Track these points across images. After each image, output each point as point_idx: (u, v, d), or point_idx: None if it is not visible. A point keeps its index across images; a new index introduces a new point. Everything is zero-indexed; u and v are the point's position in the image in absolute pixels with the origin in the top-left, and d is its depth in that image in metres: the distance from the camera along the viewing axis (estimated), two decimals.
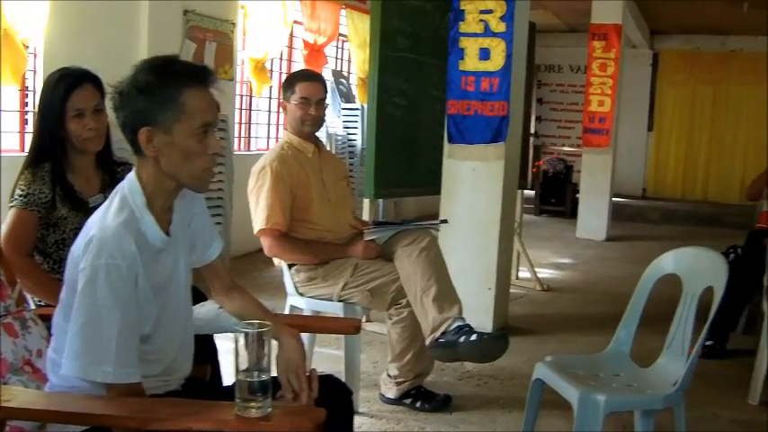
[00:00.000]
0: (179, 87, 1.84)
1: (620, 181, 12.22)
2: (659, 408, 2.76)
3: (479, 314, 4.91)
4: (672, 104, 14.78)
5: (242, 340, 1.68)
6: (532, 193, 12.50)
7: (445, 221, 4.23)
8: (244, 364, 1.68)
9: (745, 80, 14.18)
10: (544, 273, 7.28)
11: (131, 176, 1.93)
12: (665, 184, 14.81)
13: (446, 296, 3.37)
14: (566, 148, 13.97)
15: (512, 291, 6.03)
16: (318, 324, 3.05)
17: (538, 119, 14.81)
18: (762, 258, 4.80)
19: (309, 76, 3.78)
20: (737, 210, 12.70)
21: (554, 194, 12.27)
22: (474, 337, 3.22)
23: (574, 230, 10.21)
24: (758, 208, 5.98)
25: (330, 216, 3.68)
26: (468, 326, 3.29)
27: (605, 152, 9.94)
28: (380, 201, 8.65)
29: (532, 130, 14.49)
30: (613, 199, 10.48)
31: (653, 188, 14.80)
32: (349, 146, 8.55)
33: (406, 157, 5.30)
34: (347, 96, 8.88)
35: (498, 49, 4.88)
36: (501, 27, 4.88)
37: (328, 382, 2.10)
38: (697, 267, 2.94)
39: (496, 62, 4.89)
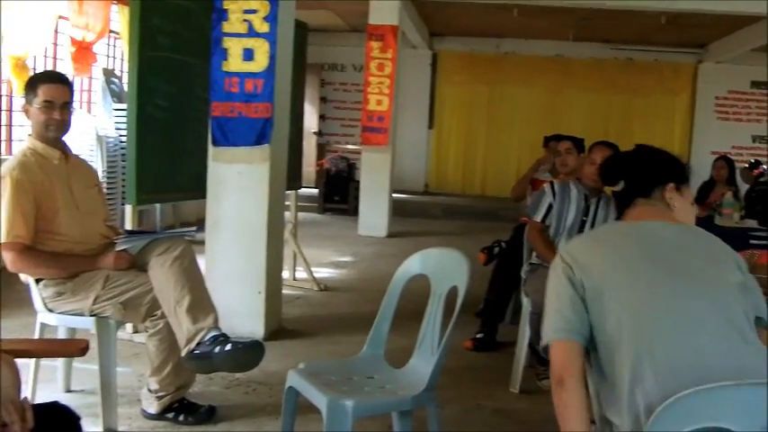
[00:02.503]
0: None
1: (402, 178, 12.52)
2: (409, 409, 2.80)
3: (250, 319, 4.86)
4: (451, 103, 15.36)
5: None
6: (316, 191, 12.58)
7: (200, 228, 4.08)
8: None
9: (518, 81, 14.98)
10: (323, 272, 7.31)
11: None
12: (445, 180, 15.35)
13: (200, 306, 3.27)
14: (349, 147, 14.14)
15: (288, 292, 6.03)
16: (40, 348, 2.85)
17: (322, 117, 14.91)
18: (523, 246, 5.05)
19: (53, 78, 3.55)
20: (512, 204, 13.33)
21: (337, 193, 12.37)
22: (229, 347, 3.15)
23: (356, 228, 10.33)
24: (522, 204, 6.28)
25: (79, 226, 3.48)
26: (223, 335, 3.21)
27: (384, 150, 10.14)
28: (157, 206, 8.42)
29: (316, 129, 14.63)
30: (396, 195, 10.71)
31: (434, 184, 15.29)
32: (121, 148, 8.18)
33: (170, 161, 5.13)
34: (119, 96, 8.50)
35: (262, 49, 4.83)
36: (265, 27, 4.83)
37: (51, 410, 1.97)
38: (442, 267, 3.01)
39: (260, 63, 4.83)
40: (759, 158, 13.74)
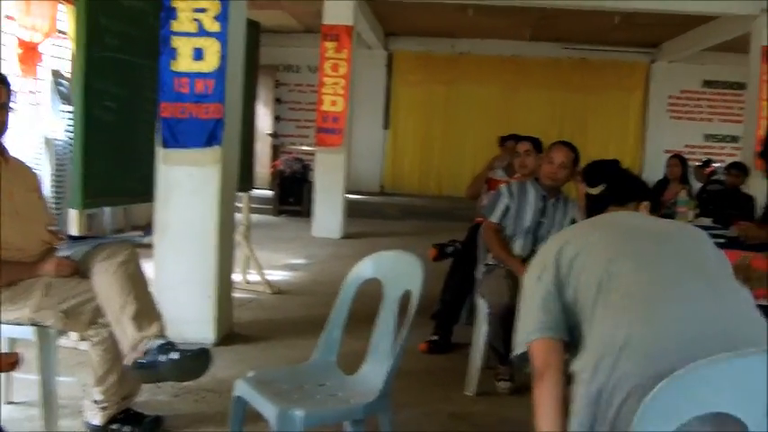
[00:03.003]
0: None
1: (357, 179, 12.47)
2: (361, 417, 2.73)
3: (201, 324, 4.75)
4: (406, 103, 15.35)
5: None
6: (271, 193, 12.46)
7: (148, 232, 3.95)
8: None
9: (474, 81, 15.01)
10: (277, 275, 7.20)
11: None
12: (401, 180, 15.33)
13: (146, 313, 3.16)
14: (304, 148, 14.04)
15: (240, 296, 5.93)
16: None
17: (277, 119, 14.79)
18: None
19: None
20: (468, 203, 13.34)
21: (292, 194, 12.25)
22: (175, 355, 3.05)
23: (311, 230, 10.24)
24: (478, 203, 6.24)
25: (19, 232, 3.33)
26: (169, 343, 3.11)
27: (339, 151, 10.07)
28: (107, 210, 8.26)
29: (271, 130, 14.51)
30: (351, 196, 10.64)
31: (390, 185, 15.26)
32: (71, 151, 7.99)
33: (118, 163, 4.99)
34: (68, 98, 8.30)
35: (212, 49, 4.73)
36: (215, 26, 4.73)
37: None
38: (395, 271, 2.95)
39: (211, 63, 4.73)
40: (711, 157, 13.94)
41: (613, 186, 2.35)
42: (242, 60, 5.15)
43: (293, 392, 2.76)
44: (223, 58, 4.72)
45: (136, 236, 3.69)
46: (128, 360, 3.14)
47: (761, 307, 2.70)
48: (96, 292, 3.21)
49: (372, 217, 12.39)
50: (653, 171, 15.14)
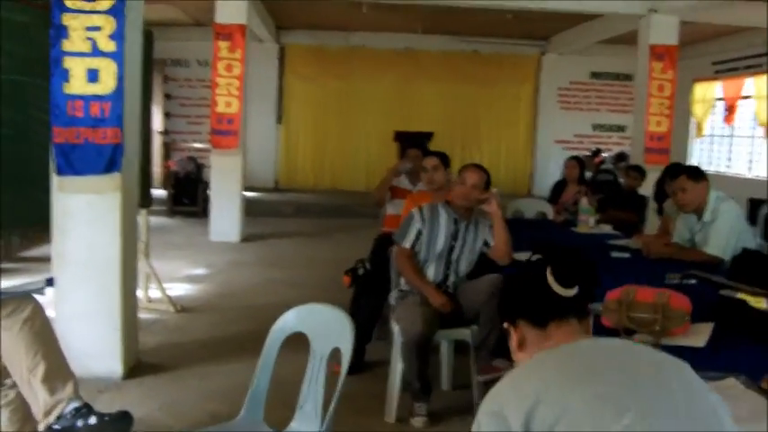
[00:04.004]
0: None
1: (251, 174, 12.20)
2: None
3: (107, 358, 4.56)
4: (300, 97, 15.17)
5: None
6: (164, 193, 12.13)
7: (50, 283, 3.64)
8: None
9: (368, 74, 14.95)
10: (178, 289, 6.99)
11: None
12: (296, 175, 15.18)
13: (57, 374, 2.99)
14: (196, 145, 13.70)
15: (143, 316, 5.72)
16: None
17: (167, 115, 14.39)
18: (387, 262, 4.97)
19: None
20: (365, 199, 13.34)
21: (186, 195, 11.94)
22: (93, 420, 2.89)
23: (208, 234, 10.00)
24: (382, 211, 6.19)
25: None
26: (85, 406, 2.95)
27: (234, 153, 9.85)
28: None
29: (161, 128, 14.10)
30: (246, 194, 10.42)
31: (285, 180, 15.09)
32: None
33: (11, 191, 4.70)
34: None
35: (108, 70, 4.49)
36: (111, 46, 4.49)
37: None
38: (322, 327, 2.86)
39: (107, 85, 4.49)
40: (599, 146, 14.35)
41: (585, 293, 1.85)
42: (139, 80, 4.92)
43: None
44: (120, 79, 4.49)
45: (39, 286, 3.41)
46: (41, 427, 2.95)
47: (677, 348, 2.75)
48: (0, 353, 3.01)
49: (268, 215, 12.22)
50: (544, 160, 15.52)
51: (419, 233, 4.39)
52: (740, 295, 3.40)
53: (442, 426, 4.27)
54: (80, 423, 2.89)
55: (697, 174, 4.71)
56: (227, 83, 9.67)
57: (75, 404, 2.94)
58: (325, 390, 2.82)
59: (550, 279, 1.82)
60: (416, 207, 4.50)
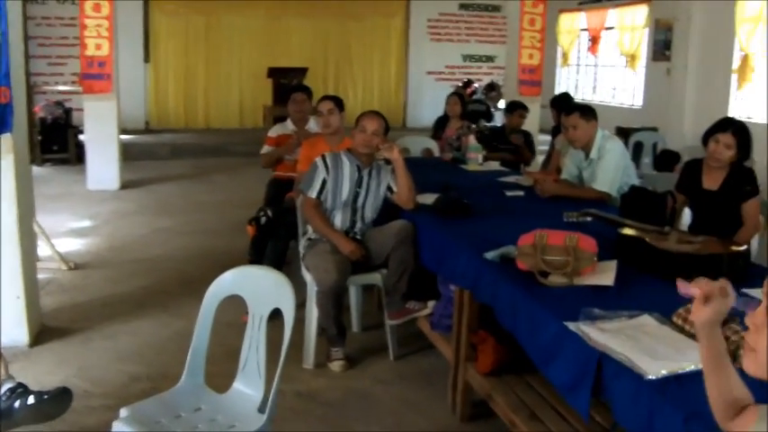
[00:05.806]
0: None
1: (121, 117, 11.76)
2: None
3: (12, 328, 4.41)
4: (167, 34, 14.67)
5: None
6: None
7: None
8: None
9: (236, 10, 14.55)
10: (66, 244, 6.77)
11: None
12: (167, 115, 14.76)
13: None
14: (61, 88, 13.07)
15: (38, 276, 5.54)
16: None
17: (26, 57, 13.62)
18: (289, 209, 5.04)
19: None
20: (240, 137, 13.19)
21: (56, 142, 11.44)
22: (31, 399, 2.83)
23: (84, 182, 9.68)
24: (262, 151, 6.09)
25: None
26: (21, 386, 2.89)
27: (109, 98, 9.52)
28: None
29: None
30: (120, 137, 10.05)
31: (156, 121, 14.66)
32: None
33: None
34: None
35: None
36: None
37: None
38: (260, 289, 2.90)
39: None
40: (470, 77, 14.60)
41: None
42: (21, 35, 4.70)
43: (174, 424, 2.68)
44: (3, 34, 4.27)
45: None
46: None
47: (590, 288, 2.92)
48: None
49: (143, 158, 11.88)
50: (416, 91, 15.68)
51: (324, 182, 4.43)
52: (631, 231, 3.59)
53: (358, 368, 4.41)
54: (17, 404, 2.83)
55: (589, 113, 4.93)
56: (96, 24, 9.27)
57: (9, 384, 2.88)
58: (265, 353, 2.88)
59: None
60: (320, 156, 4.52)
